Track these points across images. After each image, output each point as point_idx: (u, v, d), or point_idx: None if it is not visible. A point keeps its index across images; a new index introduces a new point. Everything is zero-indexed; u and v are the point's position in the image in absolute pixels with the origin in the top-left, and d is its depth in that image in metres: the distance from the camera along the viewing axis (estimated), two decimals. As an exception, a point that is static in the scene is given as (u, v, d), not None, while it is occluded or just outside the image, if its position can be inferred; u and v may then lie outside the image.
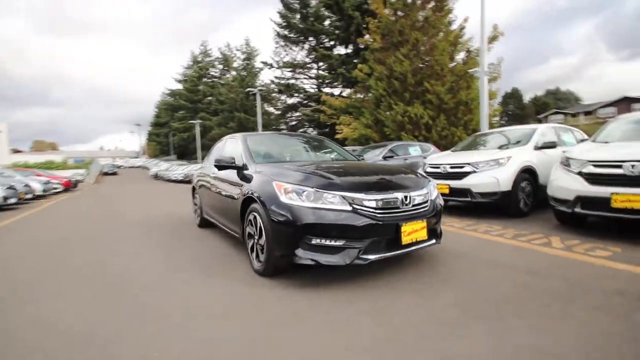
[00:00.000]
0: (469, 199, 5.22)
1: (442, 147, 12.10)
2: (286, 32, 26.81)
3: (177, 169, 24.70)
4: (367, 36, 17.92)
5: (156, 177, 28.55)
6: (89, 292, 2.73)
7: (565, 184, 4.03)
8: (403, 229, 2.54)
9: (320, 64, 25.46)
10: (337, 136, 17.65)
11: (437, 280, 2.66)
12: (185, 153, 45.94)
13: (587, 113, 45.34)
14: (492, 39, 15.11)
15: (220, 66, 43.58)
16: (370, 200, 2.52)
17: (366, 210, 2.49)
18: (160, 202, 10.03)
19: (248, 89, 25.91)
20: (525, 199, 5.26)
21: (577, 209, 3.86)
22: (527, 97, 60.61)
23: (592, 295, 2.26)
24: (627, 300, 2.13)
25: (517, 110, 56.64)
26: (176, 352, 1.79)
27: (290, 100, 26.63)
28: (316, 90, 25.33)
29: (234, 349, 1.80)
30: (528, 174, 5.30)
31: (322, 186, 2.56)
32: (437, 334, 1.87)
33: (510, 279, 2.61)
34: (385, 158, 8.80)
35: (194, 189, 5.64)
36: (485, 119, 9.30)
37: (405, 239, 2.56)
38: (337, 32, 20.82)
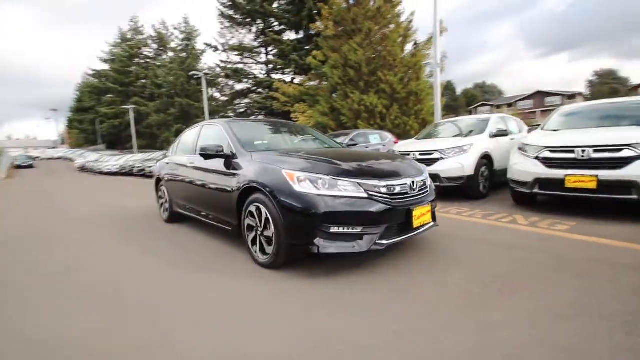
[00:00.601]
0: (437, 183, 5.59)
1: (396, 136, 12.70)
2: (231, 13, 25.38)
3: (110, 159, 22.29)
4: (319, 23, 17.83)
5: (83, 169, 25.48)
6: (81, 302, 2.36)
7: (524, 168, 4.52)
8: (414, 213, 2.64)
9: (270, 48, 24.70)
10: (293, 124, 17.46)
11: (442, 260, 2.82)
12: (117, 142, 41.51)
13: (509, 105, 51.11)
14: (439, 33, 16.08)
15: (155, 46, 39.80)
16: (384, 187, 2.56)
17: (381, 197, 2.53)
18: (106, 197, 9.00)
19: (193, 72, 24.09)
20: (484, 182, 5.81)
21: (536, 190, 4.37)
22: (459, 90, 66.07)
23: (580, 264, 2.59)
24: (611, 267, 2.48)
25: (451, 102, 61.52)
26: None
27: (240, 86, 25.51)
28: (266, 76, 24.57)
29: (281, 346, 1.71)
30: (486, 159, 5.84)
31: (337, 174, 2.53)
32: (469, 306, 2.00)
33: (505, 255, 2.88)
34: (348, 146, 8.96)
35: (158, 181, 5.16)
36: (438, 109, 9.95)
37: (415, 223, 2.66)
38: (287, 16, 20.28)
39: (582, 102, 5.89)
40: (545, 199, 5.10)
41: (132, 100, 35.06)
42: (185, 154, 4.42)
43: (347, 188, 2.47)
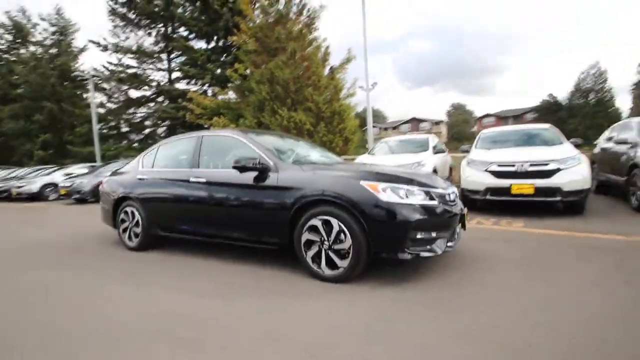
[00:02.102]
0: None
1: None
2: (125, 11, 22.46)
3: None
4: (236, 37, 17.53)
5: None
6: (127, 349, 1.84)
7: (478, 179, 5.53)
8: (466, 217, 3.02)
9: (173, 55, 22.74)
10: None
11: (466, 260, 3.24)
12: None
13: (394, 128, 59.31)
14: (347, 60, 17.75)
15: (9, 36, 31.75)
16: (448, 194, 2.86)
17: (447, 203, 2.81)
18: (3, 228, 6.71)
19: (76, 73, 20.09)
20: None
21: (488, 197, 5.40)
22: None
23: (573, 250, 3.37)
24: (602, 251, 3.28)
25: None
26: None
27: (137, 93, 22.48)
28: (169, 84, 22.40)
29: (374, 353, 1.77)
30: (434, 172, 6.84)
31: (411, 183, 2.70)
32: (525, 290, 2.42)
33: (511, 248, 3.52)
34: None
35: (120, 201, 4.25)
36: (370, 129, 11.00)
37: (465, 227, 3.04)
38: (199, 24, 19.14)
39: (496, 127, 7.54)
40: (483, 204, 6.27)
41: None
42: (178, 167, 3.85)
43: (423, 196, 2.67)
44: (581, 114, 39.00)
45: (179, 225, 3.72)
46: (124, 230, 4.24)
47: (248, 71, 16.95)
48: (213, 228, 3.44)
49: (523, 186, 5.05)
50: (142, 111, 23.35)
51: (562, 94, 43.67)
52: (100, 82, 22.38)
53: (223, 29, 18.74)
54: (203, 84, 19.79)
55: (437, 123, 58.43)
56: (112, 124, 23.33)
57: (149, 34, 22.75)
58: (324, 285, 2.69)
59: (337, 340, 1.90)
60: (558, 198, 4.92)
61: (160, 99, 23.17)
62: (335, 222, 2.65)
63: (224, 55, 20.39)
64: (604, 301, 2.24)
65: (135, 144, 23.61)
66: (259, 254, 3.51)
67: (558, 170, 4.94)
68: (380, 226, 2.53)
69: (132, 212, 4.11)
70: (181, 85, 22.40)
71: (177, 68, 22.66)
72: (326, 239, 2.71)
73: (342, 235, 2.64)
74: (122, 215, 4.24)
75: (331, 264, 2.72)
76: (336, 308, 2.31)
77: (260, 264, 3.28)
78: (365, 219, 2.54)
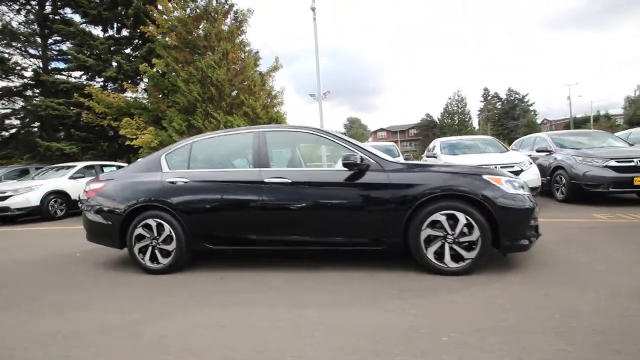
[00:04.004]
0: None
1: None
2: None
3: None
4: (151, 27, 15.56)
5: None
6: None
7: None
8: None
9: (53, 39, 18.36)
10: (128, 143, 13.79)
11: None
12: None
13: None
14: (274, 68, 17.74)
15: None
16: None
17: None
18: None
19: None
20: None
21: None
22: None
23: (580, 229, 4.25)
24: (600, 230, 4.25)
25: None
26: None
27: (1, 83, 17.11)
28: (41, 73, 17.87)
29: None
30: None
31: (510, 175, 3.05)
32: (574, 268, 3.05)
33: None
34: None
35: (139, 211, 3.34)
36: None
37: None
38: (99, 8, 15.93)
39: (451, 138, 8.79)
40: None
41: None
42: (235, 167, 3.31)
43: (525, 186, 3.01)
44: (450, 131, 48.03)
45: (243, 235, 3.17)
46: (143, 249, 3.34)
47: (168, 68, 15.09)
48: (302, 234, 3.07)
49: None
50: (6, 106, 17.95)
51: (437, 113, 53.11)
52: None
53: (133, 17, 16.17)
54: (105, 79, 16.49)
55: (343, 134, 62.92)
56: (-46, 120, 17.19)
57: (18, 11, 17.86)
58: (443, 280, 2.75)
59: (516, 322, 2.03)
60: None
61: (37, 91, 18.27)
62: (461, 216, 2.76)
63: (133, 47, 17.55)
64: None
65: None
66: (335, 259, 3.32)
67: (521, 171, 6.13)
68: (508, 216, 2.76)
69: (160, 226, 3.28)
70: (68, 78, 18.20)
71: (61, 57, 18.43)
72: (451, 233, 2.79)
73: (467, 229, 2.77)
74: (139, 231, 3.33)
75: (456, 258, 2.81)
76: (491, 297, 2.41)
77: (352, 268, 3.10)
78: (496, 210, 2.73)
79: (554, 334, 1.84)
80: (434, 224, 2.82)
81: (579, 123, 42.89)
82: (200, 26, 15.40)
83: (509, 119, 49.90)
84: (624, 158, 5.87)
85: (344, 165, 2.93)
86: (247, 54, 16.06)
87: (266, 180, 3.10)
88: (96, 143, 17.00)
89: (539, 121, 51.06)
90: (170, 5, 15.51)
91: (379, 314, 2.23)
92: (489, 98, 53.62)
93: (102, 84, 17.31)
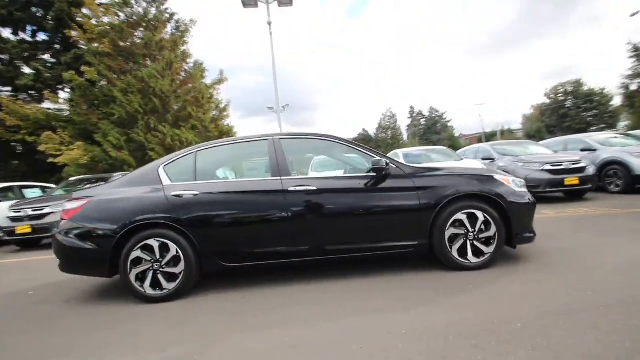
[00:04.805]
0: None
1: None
2: None
3: None
4: (76, 32, 13.94)
5: None
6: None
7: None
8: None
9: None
10: (51, 160, 11.82)
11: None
12: None
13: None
14: (219, 81, 17.21)
15: None
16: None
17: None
18: None
19: None
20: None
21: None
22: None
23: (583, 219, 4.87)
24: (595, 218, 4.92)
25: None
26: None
27: None
28: None
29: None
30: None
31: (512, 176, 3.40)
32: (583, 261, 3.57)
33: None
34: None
35: (136, 231, 2.90)
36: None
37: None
38: (9, 8, 13.59)
39: (412, 148, 9.41)
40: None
41: None
42: (249, 177, 3.09)
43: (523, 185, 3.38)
44: (384, 145, 51.42)
45: (267, 248, 2.94)
46: (140, 276, 2.89)
47: (101, 77, 13.55)
48: (331, 243, 2.97)
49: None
50: None
51: (372, 128, 56.56)
52: None
53: (54, 20, 14.23)
54: (18, 88, 13.95)
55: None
56: None
57: None
58: (467, 276, 2.89)
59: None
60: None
61: None
62: (480, 214, 2.98)
63: (53, 52, 15.31)
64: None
65: None
66: (339, 267, 3.29)
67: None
68: (519, 211, 3.06)
69: (164, 246, 2.89)
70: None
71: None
72: (471, 230, 2.99)
73: (484, 225, 3.00)
74: (136, 254, 2.87)
75: (477, 253, 3.00)
76: (522, 285, 2.63)
77: (375, 273, 3.10)
78: (509, 207, 3.01)
79: (604, 307, 2.08)
80: (455, 223, 3.00)
81: (489, 137, 49.62)
82: (136, 34, 14.32)
83: (432, 133, 55.49)
84: (555, 162, 6.96)
85: (374, 170, 2.96)
86: (191, 65, 15.35)
87: (290, 189, 2.96)
88: (4, 162, 14.28)
89: (456, 134, 57.60)
90: (100, 10, 14.14)
91: (437, 312, 2.25)
92: (414, 115, 59.11)
93: (11, 93, 14.72)
